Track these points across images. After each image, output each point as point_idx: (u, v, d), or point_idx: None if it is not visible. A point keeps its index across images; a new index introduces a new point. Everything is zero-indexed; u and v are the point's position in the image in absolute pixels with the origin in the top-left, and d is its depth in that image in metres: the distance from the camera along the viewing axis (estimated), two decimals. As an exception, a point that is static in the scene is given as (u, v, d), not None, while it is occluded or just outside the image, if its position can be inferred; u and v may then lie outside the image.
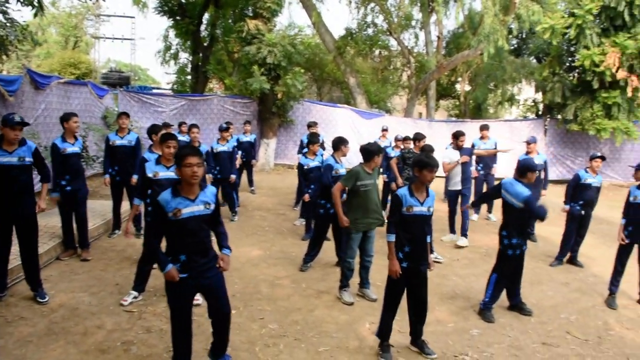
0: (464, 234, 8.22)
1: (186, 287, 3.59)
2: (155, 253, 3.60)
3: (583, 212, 7.36)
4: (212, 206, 3.65)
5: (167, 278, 3.54)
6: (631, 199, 6.06)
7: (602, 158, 7.30)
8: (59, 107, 10.41)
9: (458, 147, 8.22)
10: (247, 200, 10.98)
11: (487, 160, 9.97)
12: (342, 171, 6.30)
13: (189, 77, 20.13)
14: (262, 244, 7.69)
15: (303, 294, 5.75)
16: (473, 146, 9.93)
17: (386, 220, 9.11)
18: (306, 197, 7.66)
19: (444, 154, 8.23)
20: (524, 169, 5.30)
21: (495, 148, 9.89)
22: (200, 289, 3.71)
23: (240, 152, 10.53)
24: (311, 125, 10.40)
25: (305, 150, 8.09)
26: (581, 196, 7.35)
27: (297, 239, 8.06)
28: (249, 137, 11.47)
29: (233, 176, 9.11)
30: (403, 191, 4.30)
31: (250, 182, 11.92)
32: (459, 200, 8.34)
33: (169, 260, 3.53)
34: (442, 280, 6.42)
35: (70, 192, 6.43)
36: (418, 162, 4.29)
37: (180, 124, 10.73)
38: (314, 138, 7.90)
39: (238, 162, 10.12)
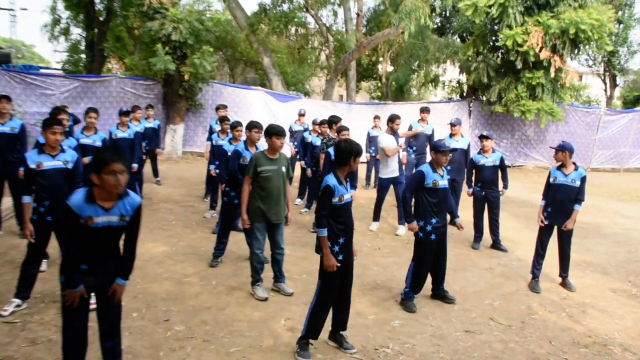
0: (402, 222, 8.51)
1: (83, 295, 3.44)
2: (70, 266, 3.35)
3: (483, 192, 7.86)
4: (128, 219, 3.49)
5: (68, 296, 3.38)
6: (551, 180, 6.39)
7: (487, 137, 7.81)
8: None
9: (393, 132, 8.37)
10: (152, 192, 10.69)
11: (422, 145, 10.21)
12: None
13: (83, 55, 19.18)
14: (168, 239, 7.50)
15: (213, 291, 5.68)
16: (410, 128, 10.22)
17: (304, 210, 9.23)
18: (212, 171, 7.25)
19: (382, 138, 8.34)
20: (432, 149, 5.55)
21: (433, 133, 10.21)
22: (95, 289, 3.55)
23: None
24: (220, 108, 10.24)
25: (230, 136, 7.84)
26: (479, 178, 7.90)
27: (207, 233, 7.93)
28: (152, 123, 11.15)
29: (135, 165, 8.82)
30: (332, 180, 4.27)
31: (155, 172, 11.60)
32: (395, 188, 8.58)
33: (79, 281, 3.36)
34: (362, 271, 6.54)
35: None
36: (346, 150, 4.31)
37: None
38: (236, 122, 7.73)
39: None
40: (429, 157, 10.13)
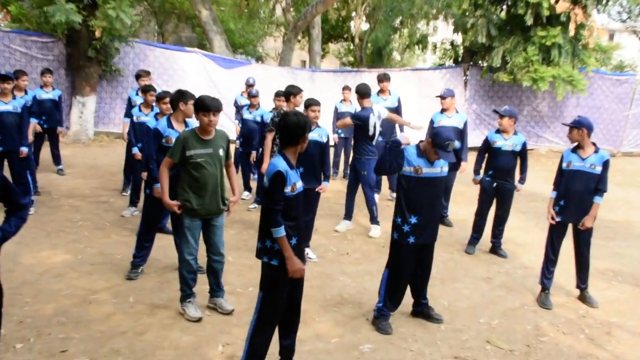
0: (375, 221, 8.57)
1: None
2: None
3: (495, 184, 7.78)
4: None
5: None
6: (564, 165, 6.35)
7: (501, 115, 7.68)
8: None
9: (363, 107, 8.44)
10: (52, 184, 10.52)
11: (387, 125, 10.22)
12: None
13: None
14: (72, 245, 7.39)
15: (130, 311, 5.60)
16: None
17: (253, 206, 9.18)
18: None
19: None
20: (431, 137, 5.28)
21: (399, 105, 10.24)
22: None
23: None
24: (141, 75, 10.03)
25: (156, 110, 7.70)
26: (491, 164, 7.80)
27: (125, 236, 7.84)
28: (50, 94, 10.92)
29: (24, 149, 8.58)
30: (283, 165, 4.22)
31: (56, 158, 11.39)
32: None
33: None
34: (325, 281, 6.55)
35: None
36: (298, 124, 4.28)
37: None
38: (164, 92, 7.55)
39: (32, 129, 9.64)
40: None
